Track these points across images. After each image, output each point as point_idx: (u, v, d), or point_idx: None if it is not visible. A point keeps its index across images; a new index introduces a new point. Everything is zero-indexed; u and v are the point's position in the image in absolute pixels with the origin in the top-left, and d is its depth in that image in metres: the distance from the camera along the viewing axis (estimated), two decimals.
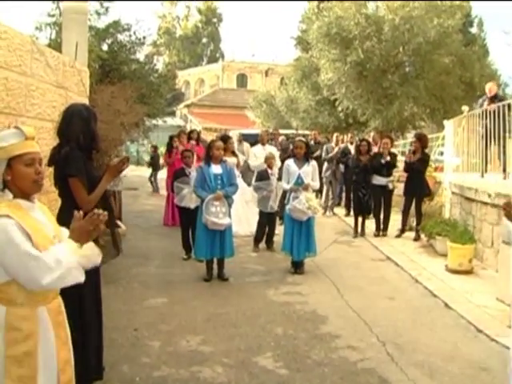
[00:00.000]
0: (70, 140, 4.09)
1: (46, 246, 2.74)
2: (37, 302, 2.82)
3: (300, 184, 8.24)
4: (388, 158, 11.24)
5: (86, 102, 6.43)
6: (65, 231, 3.02)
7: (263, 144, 12.09)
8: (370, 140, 13.18)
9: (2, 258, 2.64)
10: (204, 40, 64.80)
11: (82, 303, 4.26)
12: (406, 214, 11.20)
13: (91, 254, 2.96)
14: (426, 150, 11.23)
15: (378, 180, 11.41)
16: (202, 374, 4.84)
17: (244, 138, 14.44)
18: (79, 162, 4.07)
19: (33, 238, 2.70)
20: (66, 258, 2.69)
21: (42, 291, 2.77)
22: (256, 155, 11.42)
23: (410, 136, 19.58)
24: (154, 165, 20.72)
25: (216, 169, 7.87)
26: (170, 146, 12.60)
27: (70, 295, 3.78)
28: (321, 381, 4.76)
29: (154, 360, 5.12)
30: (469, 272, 8.31)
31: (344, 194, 15.14)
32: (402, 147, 21.89)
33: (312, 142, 15.59)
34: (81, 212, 2.92)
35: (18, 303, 2.76)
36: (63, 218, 3.41)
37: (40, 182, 2.91)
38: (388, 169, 11.37)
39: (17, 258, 2.62)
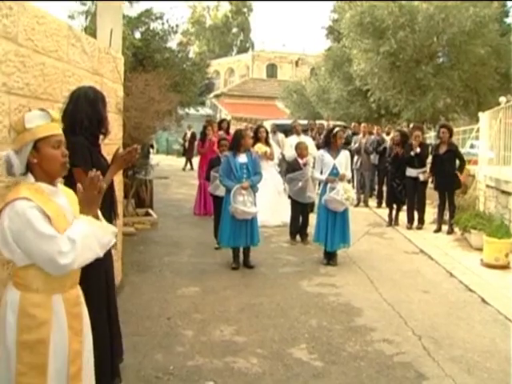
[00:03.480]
0: (75, 124, 3.83)
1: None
2: (52, 290, 2.75)
3: (336, 174, 8.13)
4: (418, 150, 11.06)
5: (121, 88, 6.41)
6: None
7: (298, 134, 12.01)
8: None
9: (19, 240, 2.59)
10: (234, 30, 64.58)
11: (110, 291, 4.17)
12: (441, 209, 11.01)
13: (106, 225, 2.89)
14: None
15: (410, 172, 11.26)
16: (237, 364, 4.81)
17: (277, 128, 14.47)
18: (84, 151, 3.85)
19: (53, 221, 2.65)
20: (80, 234, 2.62)
21: (58, 278, 2.70)
22: (292, 146, 11.30)
23: None
24: None
25: (242, 158, 7.92)
26: (203, 135, 12.59)
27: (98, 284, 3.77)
28: (356, 374, 4.69)
29: (188, 349, 5.10)
30: (505, 267, 8.14)
31: (376, 186, 14.93)
32: (434, 139, 21.60)
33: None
34: (79, 185, 2.79)
35: (34, 289, 2.70)
36: None
37: (67, 165, 2.86)
38: (420, 160, 11.20)
39: (34, 240, 2.57)
